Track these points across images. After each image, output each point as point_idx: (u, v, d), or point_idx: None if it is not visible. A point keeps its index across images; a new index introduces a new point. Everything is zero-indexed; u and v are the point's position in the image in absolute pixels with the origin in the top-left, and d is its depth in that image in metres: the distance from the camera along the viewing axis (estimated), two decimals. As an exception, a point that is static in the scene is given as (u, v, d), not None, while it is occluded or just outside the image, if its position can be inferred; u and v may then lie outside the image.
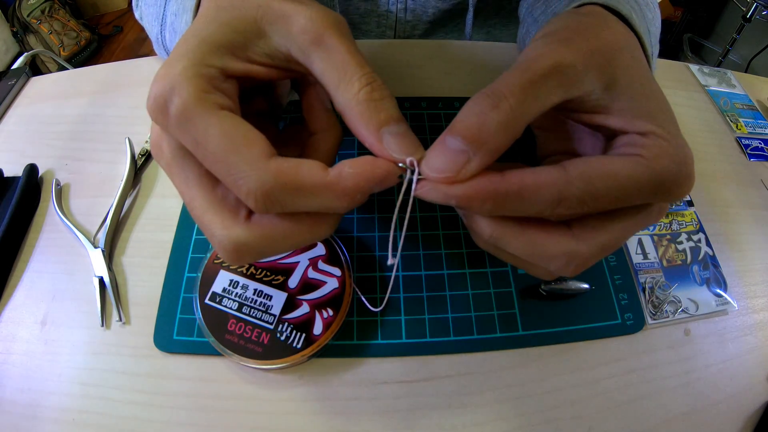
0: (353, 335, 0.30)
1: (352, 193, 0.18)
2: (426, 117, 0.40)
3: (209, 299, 0.29)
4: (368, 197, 0.20)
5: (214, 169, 0.18)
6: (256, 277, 0.30)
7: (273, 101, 0.27)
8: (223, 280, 0.30)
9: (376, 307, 0.31)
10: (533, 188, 0.19)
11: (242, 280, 0.30)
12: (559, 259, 0.21)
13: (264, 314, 0.29)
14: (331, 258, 0.31)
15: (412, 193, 0.20)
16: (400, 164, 0.20)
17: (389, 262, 0.22)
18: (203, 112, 0.18)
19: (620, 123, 0.21)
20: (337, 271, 0.30)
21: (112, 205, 0.35)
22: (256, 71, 0.21)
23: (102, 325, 0.30)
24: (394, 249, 0.22)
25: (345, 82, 0.20)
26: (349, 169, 0.18)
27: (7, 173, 0.37)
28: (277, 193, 0.18)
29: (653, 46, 0.30)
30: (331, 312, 0.29)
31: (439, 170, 0.19)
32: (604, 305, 0.32)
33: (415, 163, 0.19)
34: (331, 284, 0.30)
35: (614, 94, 0.21)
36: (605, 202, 0.19)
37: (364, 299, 0.31)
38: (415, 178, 0.20)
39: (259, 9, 0.20)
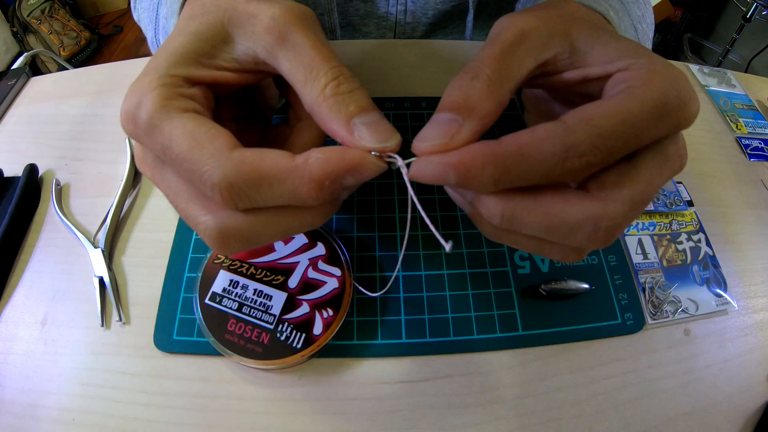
0: (353, 335, 0.30)
1: (320, 179, 0.17)
2: (426, 117, 0.40)
3: (209, 299, 0.29)
4: (347, 194, 0.20)
5: (181, 172, 0.18)
6: (256, 277, 0.30)
7: (262, 104, 0.27)
8: (223, 280, 0.30)
9: (375, 292, 0.31)
10: (533, 144, 0.17)
11: (242, 280, 0.30)
12: (585, 226, 0.18)
13: (264, 314, 0.29)
14: (331, 258, 0.31)
15: (406, 177, 0.19)
16: (387, 157, 0.19)
17: (447, 248, 0.19)
18: (166, 116, 0.18)
19: (599, 69, 0.21)
20: (337, 271, 0.30)
21: (112, 205, 0.35)
22: (225, 77, 0.21)
23: (102, 325, 0.30)
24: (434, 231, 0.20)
25: (311, 80, 0.19)
26: (317, 155, 0.17)
27: (7, 173, 0.37)
28: (241, 184, 0.17)
29: (642, 42, 0.30)
30: (331, 312, 0.29)
31: (431, 138, 0.18)
32: (604, 305, 0.32)
33: (398, 159, 0.19)
34: (331, 284, 0.30)
35: (585, 48, 0.21)
36: (615, 142, 0.18)
37: (361, 288, 0.31)
38: (401, 163, 0.19)
39: (226, 12, 0.21)
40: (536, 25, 0.21)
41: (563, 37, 0.21)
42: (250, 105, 0.26)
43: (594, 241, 0.19)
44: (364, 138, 0.18)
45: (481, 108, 0.19)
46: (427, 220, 0.20)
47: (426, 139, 0.18)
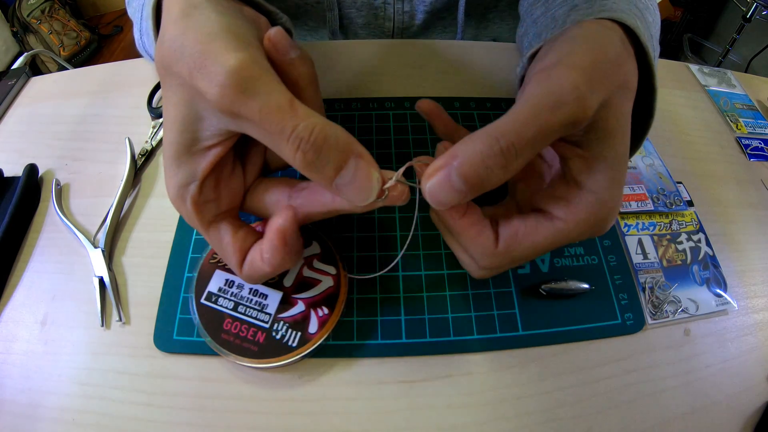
0: (353, 335, 0.30)
1: (279, 267, 0.24)
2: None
3: (205, 299, 0.29)
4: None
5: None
6: (255, 276, 0.30)
7: None
8: (219, 279, 0.30)
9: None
10: (468, 239, 0.24)
11: (238, 280, 0.30)
12: (464, 265, 0.28)
13: (259, 313, 0.29)
14: (326, 256, 0.31)
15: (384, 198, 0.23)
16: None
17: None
18: (206, 232, 0.25)
19: (576, 168, 0.23)
20: (332, 270, 0.30)
21: (112, 205, 0.35)
22: (218, 153, 0.23)
23: (102, 325, 0.30)
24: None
25: (278, 150, 0.20)
26: (265, 255, 0.24)
27: (7, 173, 0.37)
28: (257, 282, 0.27)
29: (655, 49, 0.31)
30: (326, 310, 0.29)
31: (441, 204, 0.22)
32: (604, 305, 0.32)
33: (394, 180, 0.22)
34: (326, 283, 0.30)
35: (593, 141, 0.22)
36: (521, 259, 0.25)
37: (356, 277, 0.31)
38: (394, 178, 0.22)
39: (183, 88, 0.21)
40: (591, 112, 0.20)
41: (594, 119, 0.21)
42: None
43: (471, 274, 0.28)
44: (351, 199, 0.21)
45: (492, 188, 0.21)
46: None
47: (436, 201, 0.22)
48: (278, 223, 0.23)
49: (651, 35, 0.29)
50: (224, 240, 0.25)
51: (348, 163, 0.20)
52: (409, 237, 0.33)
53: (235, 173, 0.26)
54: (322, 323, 0.29)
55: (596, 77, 0.21)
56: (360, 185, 0.21)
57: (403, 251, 0.33)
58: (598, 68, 0.21)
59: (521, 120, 0.20)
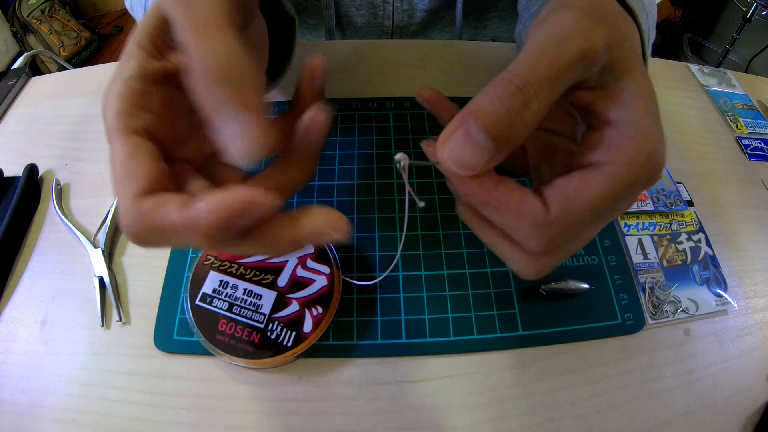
0: (353, 335, 0.30)
1: (208, 231, 0.17)
2: (426, 117, 0.40)
3: (200, 300, 0.29)
4: (240, 232, 0.18)
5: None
6: (246, 276, 0.30)
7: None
8: (213, 281, 0.30)
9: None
10: (512, 212, 0.20)
11: (232, 281, 0.30)
12: (514, 264, 0.23)
13: (254, 313, 0.29)
14: (320, 256, 0.31)
15: (405, 176, 0.21)
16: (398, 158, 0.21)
17: (421, 205, 0.22)
18: (114, 135, 0.19)
19: (605, 110, 0.21)
20: (325, 269, 0.31)
21: (112, 205, 0.35)
22: (174, 67, 0.20)
23: (102, 325, 0.30)
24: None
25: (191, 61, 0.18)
26: (204, 206, 0.17)
27: (7, 173, 0.37)
28: (143, 234, 0.18)
29: (650, 29, 0.30)
30: (320, 309, 0.29)
31: (467, 168, 0.19)
32: (604, 305, 0.32)
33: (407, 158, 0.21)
34: (320, 282, 0.30)
35: (612, 80, 0.21)
36: (583, 226, 0.21)
37: (353, 281, 0.31)
38: (405, 164, 0.21)
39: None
40: (600, 44, 0.19)
41: (606, 59, 0.20)
42: None
43: (519, 274, 0.23)
44: (228, 141, 0.18)
45: (519, 141, 0.19)
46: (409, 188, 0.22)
47: (459, 164, 0.19)
48: (246, 194, 0.17)
49: (646, 11, 0.28)
50: (132, 159, 0.19)
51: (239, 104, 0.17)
52: (403, 236, 0.33)
53: (190, 123, 0.22)
54: (317, 323, 0.29)
55: (596, 15, 0.20)
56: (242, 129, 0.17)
57: (398, 254, 0.33)
58: (596, 8, 0.21)
59: (530, 61, 0.19)
